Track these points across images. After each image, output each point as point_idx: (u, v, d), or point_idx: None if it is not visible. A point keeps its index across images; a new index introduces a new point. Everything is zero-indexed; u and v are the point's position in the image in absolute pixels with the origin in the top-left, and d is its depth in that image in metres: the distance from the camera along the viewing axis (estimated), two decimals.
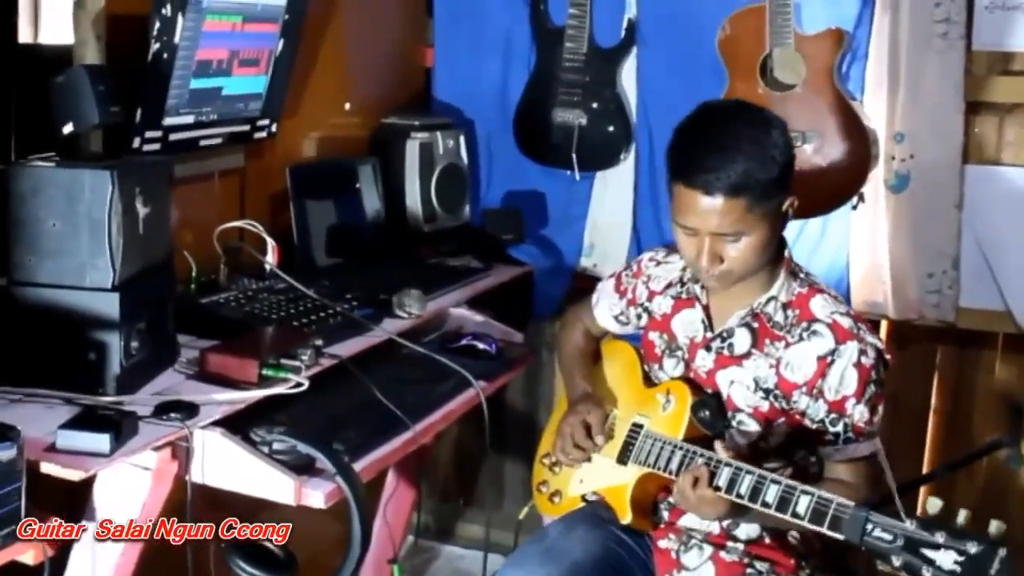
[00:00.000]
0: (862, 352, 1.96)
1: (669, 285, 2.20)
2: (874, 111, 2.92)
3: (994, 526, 1.63)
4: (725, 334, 2.07)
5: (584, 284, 2.94)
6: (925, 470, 3.14)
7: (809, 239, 3.01)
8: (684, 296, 2.16)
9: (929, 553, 1.62)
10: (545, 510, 2.33)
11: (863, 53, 2.89)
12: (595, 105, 3.17)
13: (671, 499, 2.09)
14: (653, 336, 2.21)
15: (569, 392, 2.34)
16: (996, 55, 2.89)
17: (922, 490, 3.01)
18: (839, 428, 1.98)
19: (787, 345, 2.01)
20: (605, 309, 2.34)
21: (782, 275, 2.04)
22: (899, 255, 2.97)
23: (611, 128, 3.17)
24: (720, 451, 1.90)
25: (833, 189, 2.91)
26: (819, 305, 2.01)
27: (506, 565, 2.13)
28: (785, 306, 2.03)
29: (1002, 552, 1.58)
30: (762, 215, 1.91)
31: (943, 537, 1.62)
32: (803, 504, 1.79)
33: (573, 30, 3.14)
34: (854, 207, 2.95)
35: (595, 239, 3.30)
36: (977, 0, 2.83)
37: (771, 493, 1.82)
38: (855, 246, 3.00)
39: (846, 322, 1.98)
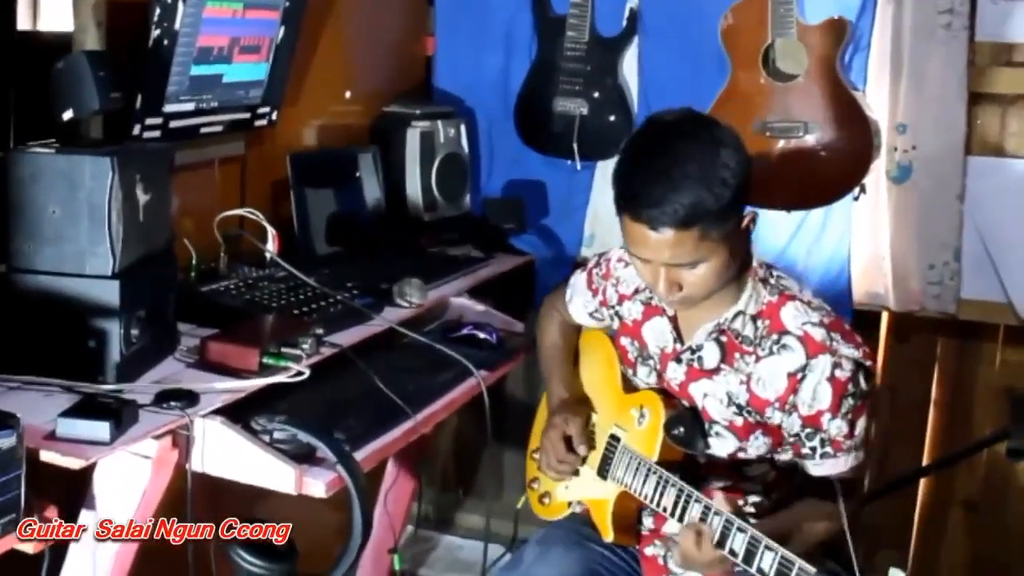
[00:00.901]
0: (836, 365, 1.86)
1: (637, 291, 2.11)
2: (876, 102, 2.91)
3: None
4: (694, 348, 2.00)
5: None
6: (925, 462, 3.13)
7: (811, 230, 3.00)
8: (653, 303, 2.07)
9: None
10: (537, 510, 2.31)
11: (866, 43, 2.87)
12: (596, 94, 3.16)
13: (672, 564, 2.04)
14: (625, 342, 2.15)
15: (549, 396, 2.30)
16: (999, 46, 2.87)
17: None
18: (815, 443, 1.91)
19: (757, 359, 1.93)
20: (580, 306, 2.27)
21: (749, 285, 1.94)
22: (900, 246, 2.96)
23: (612, 118, 3.16)
24: (721, 503, 1.83)
25: (835, 180, 2.90)
26: (790, 315, 1.91)
27: None
28: (755, 317, 1.94)
29: None
30: (718, 240, 1.79)
31: None
32: (767, 560, 1.71)
33: (575, 19, 3.13)
34: (856, 198, 2.94)
35: (596, 229, 3.29)
36: None
37: (737, 541, 1.75)
38: (857, 237, 2.99)
39: (818, 334, 1.88)
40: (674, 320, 2.04)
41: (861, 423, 1.91)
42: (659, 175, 1.77)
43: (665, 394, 2.04)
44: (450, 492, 3.70)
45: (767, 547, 1.72)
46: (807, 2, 2.86)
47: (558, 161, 3.23)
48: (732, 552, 1.77)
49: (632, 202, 1.80)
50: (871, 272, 3.01)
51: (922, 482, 3.14)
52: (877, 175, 2.93)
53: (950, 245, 2.92)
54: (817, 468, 1.94)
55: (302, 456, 1.87)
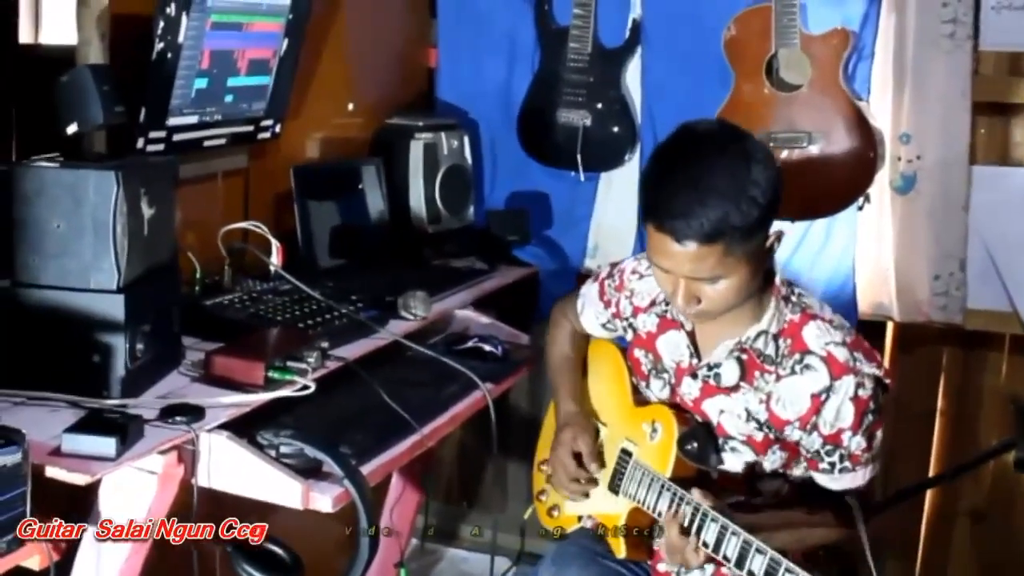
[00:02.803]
0: (859, 385, 1.86)
1: (653, 303, 2.09)
2: (880, 111, 2.91)
3: None
4: (712, 364, 1.97)
5: None
6: (931, 473, 3.12)
7: (814, 241, 3.00)
8: (669, 316, 2.06)
9: None
10: (546, 522, 2.30)
11: (869, 53, 2.87)
12: (599, 106, 3.15)
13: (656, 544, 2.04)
14: (639, 354, 2.13)
15: (556, 408, 2.28)
16: (1003, 55, 2.88)
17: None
18: (835, 458, 1.91)
19: (778, 378, 1.91)
20: (591, 317, 2.26)
21: (772, 305, 1.91)
22: (905, 257, 2.95)
23: (616, 129, 3.16)
24: (699, 497, 1.82)
25: (839, 190, 2.90)
26: (813, 335, 1.89)
27: None
28: (776, 336, 1.91)
29: None
30: (741, 257, 1.76)
31: None
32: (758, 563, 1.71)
33: (577, 30, 3.13)
34: (860, 208, 2.94)
35: (599, 240, 3.29)
36: (984, 0, 2.81)
37: (757, 563, 1.72)
38: (861, 248, 2.99)
39: (841, 354, 1.86)
40: (691, 335, 2.02)
41: (878, 435, 1.92)
42: (687, 186, 1.73)
43: (677, 409, 2.02)
44: (455, 505, 3.69)
45: (787, 569, 1.69)
46: (810, 12, 2.86)
47: (561, 172, 3.23)
48: (750, 574, 1.74)
49: (657, 212, 1.76)
50: (876, 283, 3.00)
51: (928, 493, 3.13)
52: (881, 185, 2.93)
53: (955, 255, 2.91)
54: (835, 483, 1.93)
55: (308, 471, 1.86)
